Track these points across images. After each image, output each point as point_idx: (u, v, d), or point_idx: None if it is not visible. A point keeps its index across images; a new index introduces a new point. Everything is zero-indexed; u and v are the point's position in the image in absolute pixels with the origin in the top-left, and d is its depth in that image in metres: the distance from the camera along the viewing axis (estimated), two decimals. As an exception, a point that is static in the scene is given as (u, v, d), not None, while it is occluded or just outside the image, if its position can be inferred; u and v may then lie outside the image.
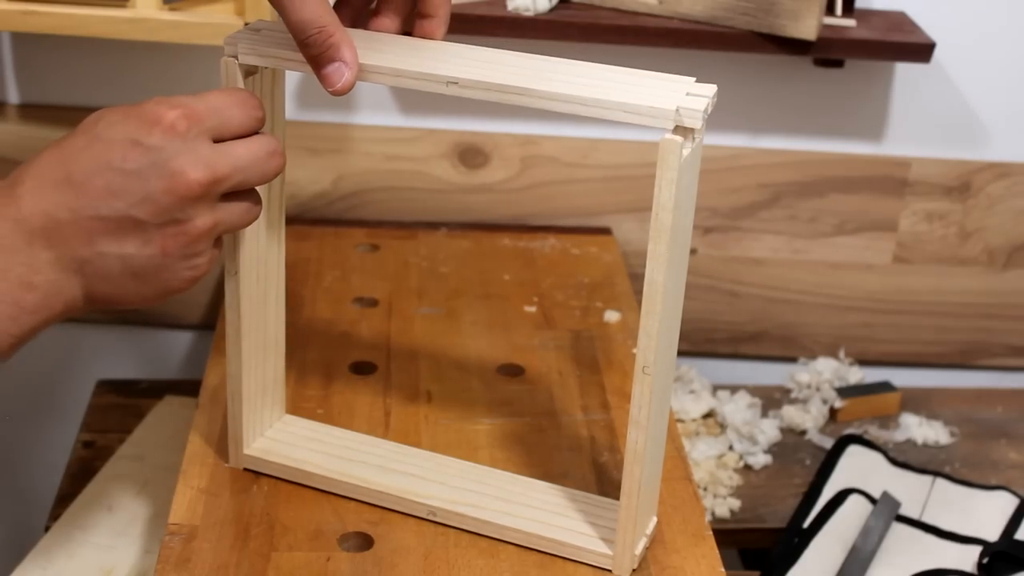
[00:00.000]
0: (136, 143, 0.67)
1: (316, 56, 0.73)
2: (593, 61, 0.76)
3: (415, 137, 1.33)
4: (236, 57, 0.76)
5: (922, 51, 1.24)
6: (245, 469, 0.90)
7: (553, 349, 1.10)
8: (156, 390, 1.31)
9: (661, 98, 0.70)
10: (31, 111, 1.31)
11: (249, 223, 0.74)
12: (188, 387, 1.28)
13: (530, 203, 1.36)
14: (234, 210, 0.72)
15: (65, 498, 1.13)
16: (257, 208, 0.74)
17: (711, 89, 0.71)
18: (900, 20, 1.28)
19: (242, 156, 0.71)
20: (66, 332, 1.42)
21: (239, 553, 0.82)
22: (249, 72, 0.77)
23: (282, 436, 0.91)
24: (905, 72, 1.34)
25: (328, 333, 1.10)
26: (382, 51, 0.76)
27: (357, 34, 0.78)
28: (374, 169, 1.34)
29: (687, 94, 0.71)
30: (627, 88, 0.71)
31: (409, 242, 1.28)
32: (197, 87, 1.30)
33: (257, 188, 0.74)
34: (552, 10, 1.23)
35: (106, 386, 1.33)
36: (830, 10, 1.25)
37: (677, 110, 0.69)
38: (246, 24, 0.77)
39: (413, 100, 1.32)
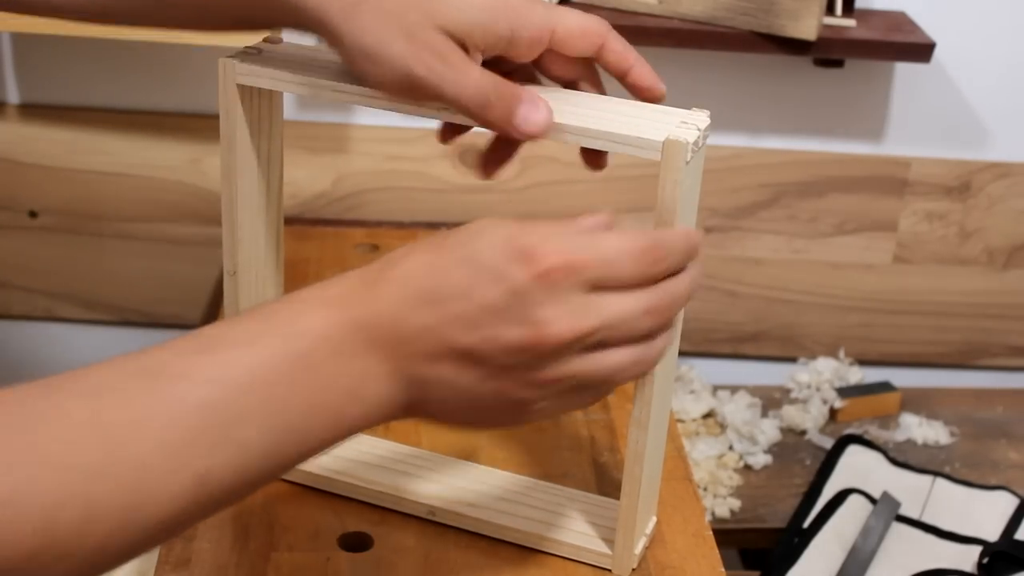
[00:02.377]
0: (502, 278, 0.61)
1: (504, 112, 0.69)
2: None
3: (415, 137, 1.33)
4: (234, 57, 0.76)
5: (922, 51, 1.24)
6: (245, 469, 0.89)
7: (553, 349, 1.09)
8: (156, 390, 1.30)
9: (651, 130, 0.69)
10: (31, 111, 1.31)
11: (626, 380, 0.66)
12: (188, 387, 1.28)
13: (530, 203, 1.36)
14: (601, 363, 0.63)
15: (65, 498, 1.13)
16: (639, 366, 0.65)
17: (704, 120, 0.71)
18: (900, 20, 1.28)
19: (614, 312, 0.62)
20: (67, 332, 1.42)
21: (239, 553, 0.82)
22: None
23: (282, 436, 0.91)
24: (905, 72, 1.34)
25: (328, 333, 1.09)
26: None
27: None
28: (374, 169, 1.34)
29: (680, 123, 0.70)
30: (618, 118, 0.71)
31: (409, 242, 1.28)
32: (196, 87, 1.31)
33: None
34: (552, 10, 1.23)
35: (106, 386, 1.33)
36: (830, 10, 1.25)
37: (666, 140, 0.68)
38: (245, 47, 0.77)
39: (413, 100, 1.32)
